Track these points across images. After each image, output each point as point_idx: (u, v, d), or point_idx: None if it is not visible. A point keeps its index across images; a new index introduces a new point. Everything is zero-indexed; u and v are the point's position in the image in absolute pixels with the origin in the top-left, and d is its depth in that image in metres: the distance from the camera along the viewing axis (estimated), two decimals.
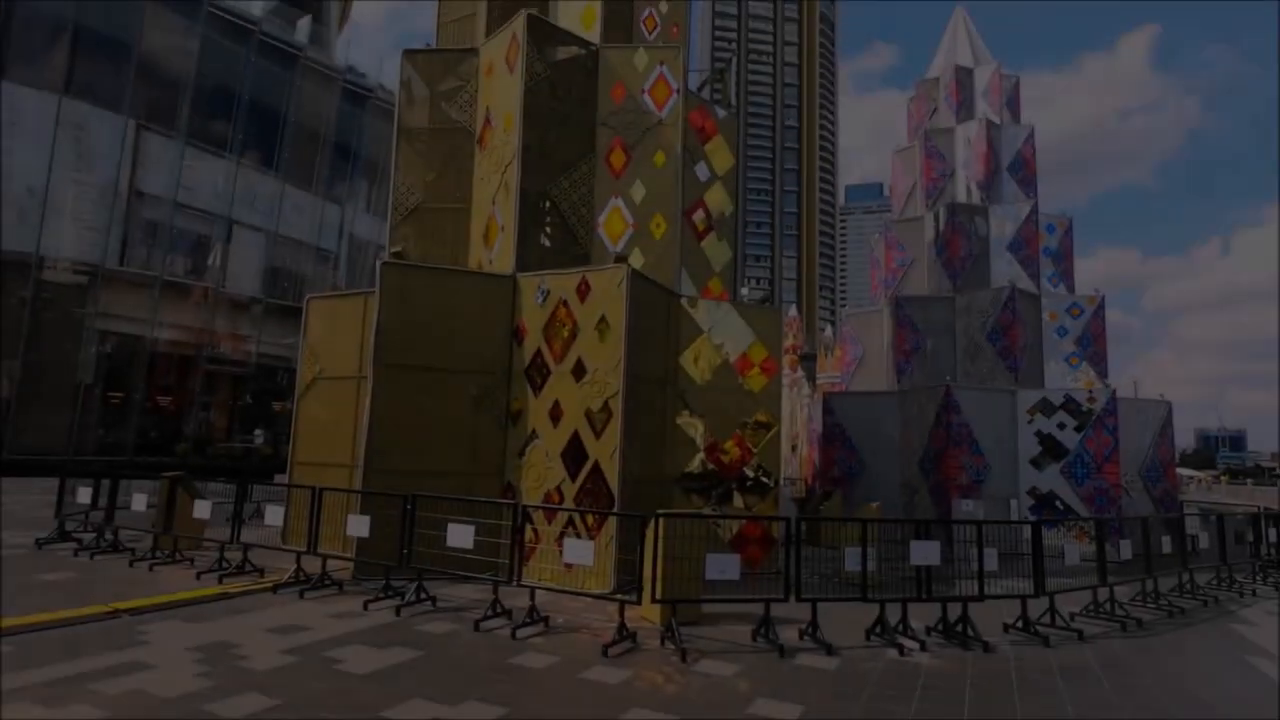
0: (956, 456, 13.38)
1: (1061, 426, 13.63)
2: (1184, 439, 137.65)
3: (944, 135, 18.22)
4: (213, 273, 26.11)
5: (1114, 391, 13.97)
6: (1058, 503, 13.34)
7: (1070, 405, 13.67)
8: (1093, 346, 16.52)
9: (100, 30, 23.21)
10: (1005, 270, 16.60)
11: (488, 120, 11.11)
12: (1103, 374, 16.29)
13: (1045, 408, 13.76)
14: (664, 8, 12.32)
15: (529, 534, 7.76)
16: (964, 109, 18.42)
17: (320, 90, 29.05)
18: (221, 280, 26.04)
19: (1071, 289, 17.16)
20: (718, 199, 11.93)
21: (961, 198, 17.68)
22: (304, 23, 29.86)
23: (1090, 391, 14.05)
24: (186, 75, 24.81)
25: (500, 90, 10.78)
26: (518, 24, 10.40)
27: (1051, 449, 13.63)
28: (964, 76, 18.59)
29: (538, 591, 6.73)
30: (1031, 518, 13.19)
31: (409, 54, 11.70)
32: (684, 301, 10.32)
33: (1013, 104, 18.38)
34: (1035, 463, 13.65)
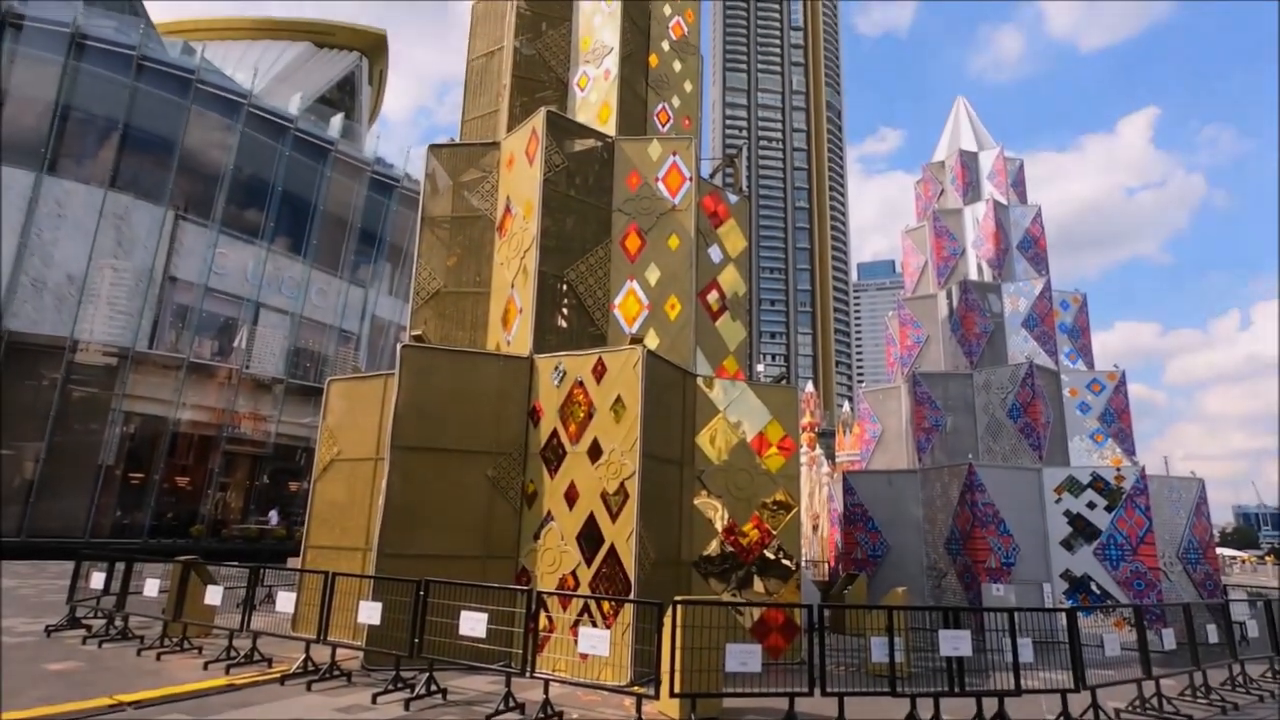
0: (984, 538, 12.97)
1: (1091, 506, 13.23)
2: (1221, 516, 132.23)
3: (952, 216, 18.59)
4: (238, 354, 26.70)
5: (1143, 469, 13.61)
6: (1093, 586, 12.79)
7: (1099, 484, 13.31)
8: (1117, 422, 16.21)
9: (148, 129, 24.74)
10: (1022, 346, 16.55)
11: (508, 208, 11.55)
12: (1129, 451, 15.91)
13: (1073, 486, 13.41)
14: (676, 102, 12.95)
15: (543, 621, 7.55)
16: (970, 190, 18.87)
17: (349, 180, 30.48)
18: (246, 361, 26.60)
19: (1091, 365, 17.01)
20: (731, 280, 12.17)
21: (973, 275, 17.86)
22: (337, 119, 31.63)
23: (1118, 469, 13.70)
24: (224, 168, 26.20)
25: (520, 180, 11.26)
26: (537, 119, 10.96)
27: (1082, 529, 13.18)
28: (969, 160, 19.13)
29: (551, 684, 6.49)
30: (1066, 603, 12.65)
31: (434, 148, 12.32)
32: (699, 381, 10.36)
33: (1018, 185, 18.80)
34: (1067, 544, 13.18)
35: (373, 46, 44.53)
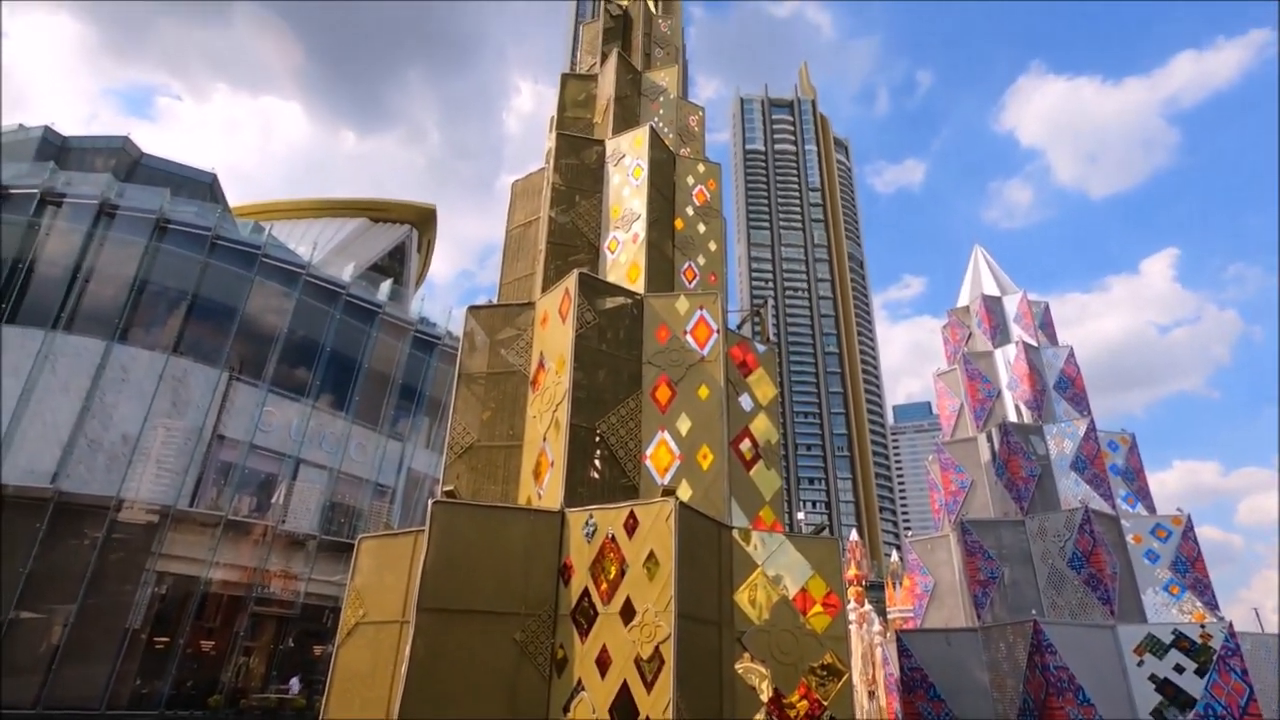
0: (1061, 707, 11.66)
1: (1179, 670, 11.92)
2: None
3: (983, 358, 18.58)
4: (275, 510, 26.88)
5: (1230, 624, 12.38)
6: None
7: (1183, 642, 12.08)
8: (1191, 571, 15.01)
9: (214, 299, 26.79)
10: (1074, 490, 15.81)
11: (541, 364, 11.93)
12: (1211, 604, 14.58)
13: (1154, 646, 12.18)
14: (701, 261, 13.65)
15: None
16: (999, 334, 18.99)
17: (394, 339, 32.10)
18: (282, 517, 26.70)
19: (1152, 508, 16.08)
20: (763, 428, 12.10)
21: (1012, 417, 17.50)
22: (386, 284, 33.93)
23: (1203, 625, 12.49)
24: (278, 331, 27.89)
25: (553, 337, 11.71)
26: (570, 280, 11.59)
27: (1173, 698, 11.79)
28: (993, 304, 19.43)
29: None
30: None
31: (473, 309, 13.00)
32: (735, 534, 10.01)
33: (1046, 327, 18.89)
34: (1159, 715, 11.75)
35: (423, 218, 48.66)
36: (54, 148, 30.45)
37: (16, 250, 24.32)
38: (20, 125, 32.04)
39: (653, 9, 18.05)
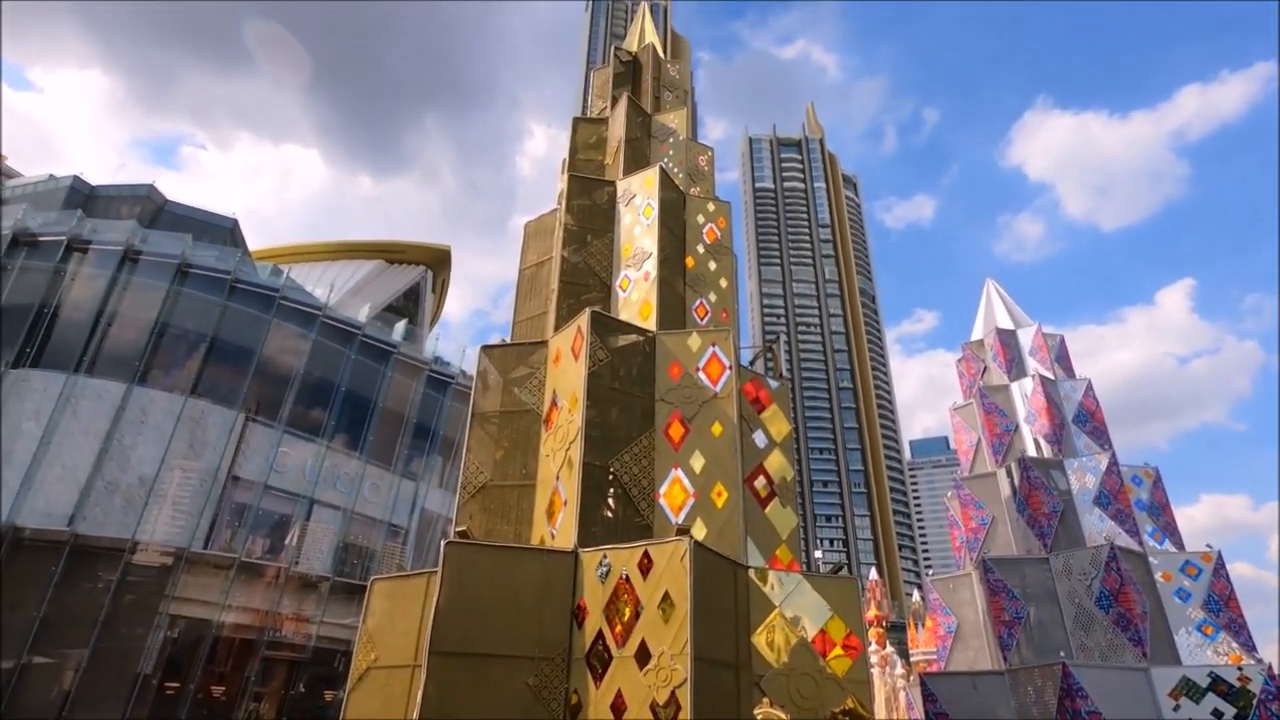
0: None
1: (1217, 715, 11.47)
2: None
3: (1000, 392, 18.39)
4: (288, 551, 26.76)
5: (1269, 666, 11.92)
6: None
7: (1220, 685, 11.64)
8: (1225, 611, 14.52)
9: (232, 341, 27.14)
10: (1098, 526, 15.45)
11: (554, 402, 11.94)
12: (1248, 645, 14.06)
13: (1190, 690, 11.74)
14: (713, 297, 13.72)
15: None
16: (1014, 367, 18.82)
17: (408, 379, 32.27)
18: (295, 559, 26.56)
19: (1180, 545, 15.66)
20: (778, 464, 11.98)
21: (1031, 452, 17.23)
22: (400, 324, 34.28)
23: (1240, 668, 12.04)
24: (294, 372, 28.15)
25: (566, 375, 11.74)
26: (583, 318, 11.67)
27: None
28: (1007, 338, 19.30)
29: None
30: None
31: (486, 349, 13.09)
32: (752, 573, 9.84)
33: (1062, 359, 18.71)
34: None
35: (437, 259, 49.42)
36: (82, 196, 31.35)
37: (42, 296, 24.89)
38: (50, 175, 33.09)
39: (661, 55, 18.51)
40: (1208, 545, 15.31)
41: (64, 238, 25.86)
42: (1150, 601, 14.36)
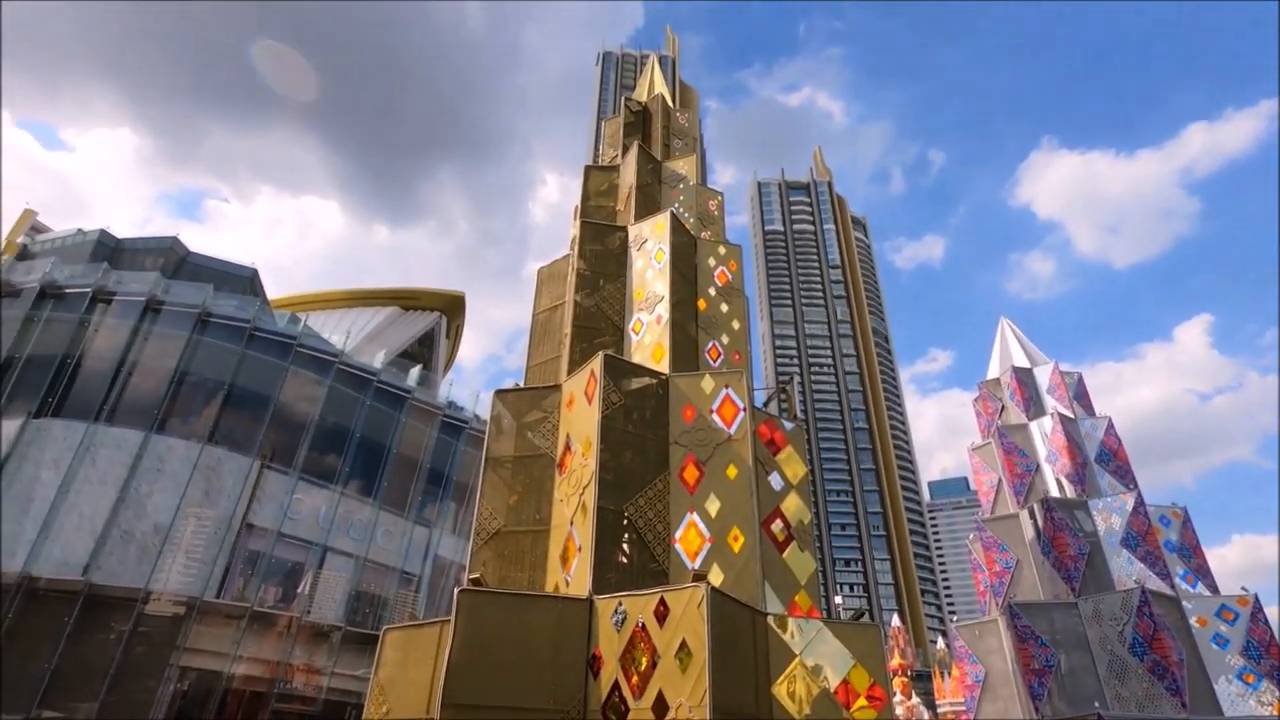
0: None
1: None
2: None
3: (1018, 431, 18.13)
4: (301, 600, 26.49)
5: None
6: None
7: None
8: (1267, 658, 13.94)
9: (249, 388, 27.44)
10: (1127, 569, 15.00)
11: (568, 446, 11.89)
12: None
13: None
14: (725, 339, 13.74)
15: None
16: (1033, 406, 18.59)
17: (422, 424, 32.35)
18: (308, 608, 26.27)
19: (1214, 588, 15.15)
20: (795, 507, 11.80)
21: (1054, 492, 16.87)
22: (415, 370, 34.53)
23: None
24: (309, 418, 28.32)
25: (579, 419, 11.72)
26: (596, 362, 11.70)
27: None
28: (1024, 376, 19.11)
29: None
30: None
31: (499, 393, 13.12)
32: (771, 621, 9.60)
33: (1081, 397, 18.47)
34: None
35: (451, 305, 50.04)
36: (109, 249, 32.24)
37: (66, 346, 25.39)
38: (79, 230, 34.11)
39: (670, 104, 18.98)
40: (1243, 588, 14.81)
41: (89, 289, 26.49)
42: (1186, 648, 13.83)
